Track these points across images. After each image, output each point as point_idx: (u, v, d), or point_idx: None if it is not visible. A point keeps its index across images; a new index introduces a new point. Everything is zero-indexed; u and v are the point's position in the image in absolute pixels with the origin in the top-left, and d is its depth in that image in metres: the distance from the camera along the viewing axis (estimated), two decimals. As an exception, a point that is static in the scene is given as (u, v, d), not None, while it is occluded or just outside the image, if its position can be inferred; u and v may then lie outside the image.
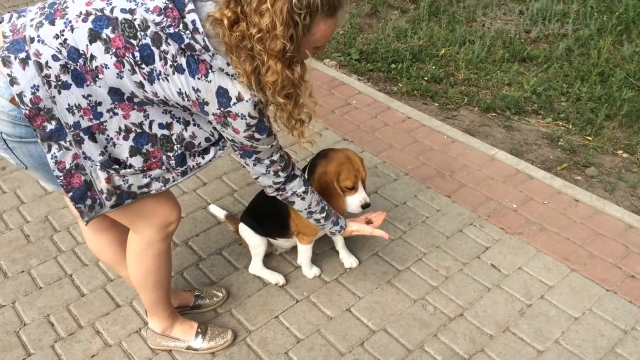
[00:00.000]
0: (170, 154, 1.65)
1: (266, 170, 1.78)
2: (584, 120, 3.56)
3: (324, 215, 2.01)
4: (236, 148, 1.69)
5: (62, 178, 1.53)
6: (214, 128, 1.68)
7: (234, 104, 1.52)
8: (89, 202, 1.61)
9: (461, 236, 2.62)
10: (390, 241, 2.59)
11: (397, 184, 2.92)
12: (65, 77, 1.45)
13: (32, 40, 1.44)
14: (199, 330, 2.12)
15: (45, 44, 1.44)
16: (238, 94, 1.52)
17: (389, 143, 3.21)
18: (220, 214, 2.70)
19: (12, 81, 1.42)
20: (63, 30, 1.45)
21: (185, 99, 1.52)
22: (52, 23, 1.46)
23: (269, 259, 2.48)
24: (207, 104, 1.53)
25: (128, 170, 1.61)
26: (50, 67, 1.44)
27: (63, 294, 2.35)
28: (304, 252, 2.37)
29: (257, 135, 1.61)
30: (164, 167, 1.66)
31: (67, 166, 1.53)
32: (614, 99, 3.71)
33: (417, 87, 3.88)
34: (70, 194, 1.57)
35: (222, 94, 1.51)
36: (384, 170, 3.01)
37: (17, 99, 1.43)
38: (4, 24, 1.51)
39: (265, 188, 1.87)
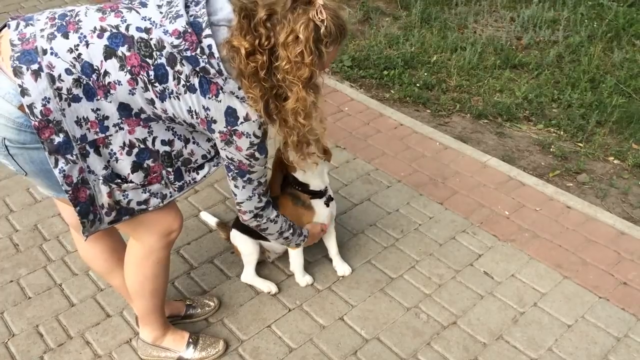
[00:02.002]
0: (170, 169, 1.68)
1: (252, 193, 1.81)
2: (575, 127, 3.58)
3: (291, 231, 2.11)
4: (232, 167, 1.72)
5: (70, 192, 1.53)
6: (212, 146, 1.73)
7: (241, 123, 1.58)
8: (91, 217, 1.61)
9: (454, 243, 2.61)
10: (383, 249, 2.58)
11: (390, 191, 2.92)
12: (77, 91, 1.46)
13: (44, 52, 1.44)
14: (191, 340, 2.10)
15: (59, 57, 1.44)
16: (246, 115, 1.58)
17: (382, 150, 3.21)
18: (212, 221, 2.68)
19: (23, 92, 1.41)
20: (77, 45, 1.46)
21: (195, 116, 1.57)
22: (66, 36, 1.46)
23: (261, 267, 2.47)
24: (215, 122, 1.58)
25: (129, 185, 1.62)
26: (62, 81, 1.44)
27: (52, 303, 2.33)
28: (295, 257, 2.35)
29: (257, 155, 1.68)
30: (163, 182, 1.68)
31: (75, 180, 1.52)
32: (604, 106, 3.73)
33: (409, 93, 3.88)
34: (78, 208, 1.57)
35: (231, 114, 1.57)
36: (377, 178, 3.01)
37: (27, 110, 1.42)
38: (10, 32, 1.49)
39: (245, 214, 1.89)
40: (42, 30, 1.47)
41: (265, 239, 2.37)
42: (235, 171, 1.73)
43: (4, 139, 1.48)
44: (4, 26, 1.53)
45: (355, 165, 3.10)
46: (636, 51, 4.36)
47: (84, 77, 1.46)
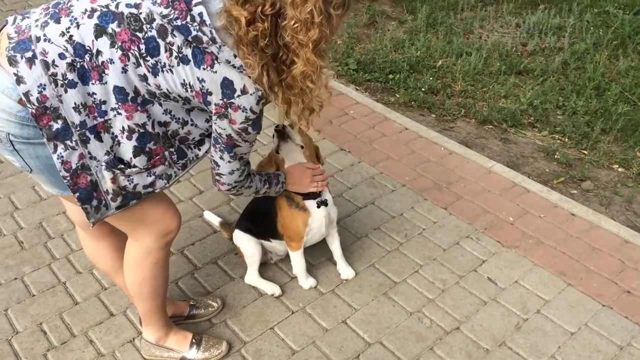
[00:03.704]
0: (172, 149, 1.67)
1: (236, 168, 1.77)
2: (580, 134, 3.58)
3: (267, 185, 2.03)
4: (220, 141, 1.68)
5: (68, 178, 1.52)
6: (210, 125, 1.69)
7: (238, 96, 1.54)
8: (95, 202, 1.60)
9: (458, 249, 2.61)
10: (387, 253, 2.58)
11: (394, 195, 2.92)
12: (72, 76, 1.45)
13: (37, 39, 1.44)
14: (194, 340, 2.10)
15: (52, 42, 1.44)
16: (243, 87, 1.54)
17: (387, 154, 3.21)
18: (215, 221, 2.69)
19: (19, 80, 1.42)
20: (69, 28, 1.45)
21: (189, 89, 1.54)
22: (58, 22, 1.46)
23: (264, 269, 2.47)
24: (210, 94, 1.55)
25: (133, 169, 1.60)
26: (57, 66, 1.44)
27: (56, 302, 2.33)
28: (296, 260, 2.36)
29: (250, 130, 1.64)
30: (166, 163, 1.67)
31: (73, 166, 1.52)
32: (609, 113, 3.73)
33: (414, 98, 3.88)
34: (77, 194, 1.56)
35: (227, 85, 1.53)
36: (381, 181, 3.01)
37: (23, 98, 1.42)
38: (8, 27, 1.51)
39: (223, 185, 1.83)
40: (36, 20, 1.49)
41: (268, 240, 2.39)
42: (223, 145, 1.69)
43: (8, 134, 1.48)
44: (4, 25, 1.54)
45: (359, 168, 3.10)
46: (642, 59, 4.37)
47: (77, 59, 1.45)
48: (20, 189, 2.89)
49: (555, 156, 3.40)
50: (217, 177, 1.81)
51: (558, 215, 2.80)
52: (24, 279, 2.43)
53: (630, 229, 2.76)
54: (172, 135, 1.66)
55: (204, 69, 1.50)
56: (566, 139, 3.57)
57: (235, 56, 1.49)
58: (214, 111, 1.59)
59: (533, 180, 3.10)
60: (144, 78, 1.51)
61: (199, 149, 1.75)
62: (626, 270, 2.51)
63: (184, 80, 1.52)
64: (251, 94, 1.55)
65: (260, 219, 2.37)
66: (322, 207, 2.25)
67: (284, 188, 2.14)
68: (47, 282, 2.41)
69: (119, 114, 1.52)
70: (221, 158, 1.73)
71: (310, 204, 2.23)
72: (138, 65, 1.49)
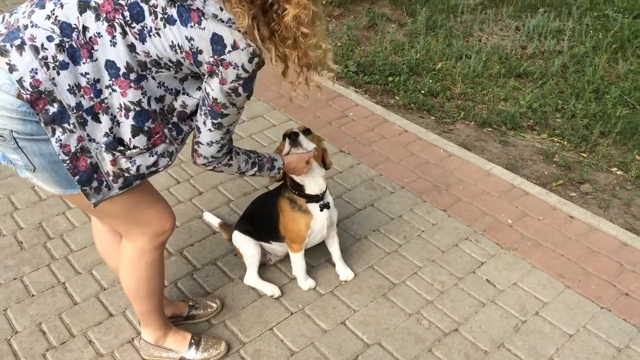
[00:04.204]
0: (171, 126, 1.65)
1: (216, 141, 1.70)
2: (579, 137, 3.59)
3: (256, 169, 1.95)
4: (206, 103, 1.63)
5: (67, 162, 1.52)
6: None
7: (229, 51, 1.51)
8: (95, 184, 1.59)
9: (457, 251, 2.62)
10: (385, 254, 2.59)
11: (393, 197, 2.93)
12: (62, 57, 1.45)
13: (25, 27, 1.45)
14: (193, 341, 2.11)
15: (39, 27, 1.45)
16: (233, 42, 1.50)
17: (386, 156, 3.22)
18: (215, 221, 2.69)
19: (11, 68, 1.42)
20: (53, 10, 1.46)
21: (178, 51, 1.51)
22: (43, 7, 1.47)
23: (263, 270, 2.47)
24: (200, 52, 1.51)
25: (134, 150, 1.59)
26: (46, 49, 1.44)
27: (55, 302, 2.33)
28: (296, 262, 2.36)
29: (240, 90, 1.59)
30: (167, 141, 1.65)
31: (72, 149, 1.52)
32: (608, 116, 3.74)
33: (414, 100, 3.89)
34: (77, 177, 1.55)
35: (217, 41, 1.50)
36: (380, 183, 3.02)
37: (17, 85, 1.42)
38: None
39: (199, 157, 1.76)
40: (23, 12, 1.50)
41: (266, 241, 2.39)
42: (208, 109, 1.63)
43: (11, 131, 1.48)
44: None
45: (359, 170, 3.11)
46: (641, 63, 4.38)
47: (65, 39, 1.45)
48: (20, 189, 2.90)
49: (554, 159, 3.41)
50: (195, 147, 1.74)
51: (557, 218, 2.81)
52: (24, 279, 2.43)
53: (629, 231, 2.77)
54: (169, 110, 1.63)
55: (191, 26, 1.48)
56: (565, 142, 3.58)
57: (221, 9, 1.47)
58: (205, 70, 1.55)
59: (532, 182, 3.10)
60: (132, 48, 1.49)
61: (192, 120, 1.71)
62: (624, 272, 2.51)
63: (172, 42, 1.49)
64: (242, 49, 1.51)
65: (261, 221, 2.38)
66: (324, 210, 2.26)
67: (280, 173, 2.07)
68: (47, 282, 2.42)
69: (114, 90, 1.51)
70: (204, 123, 1.67)
71: (313, 206, 2.24)
72: (125, 34, 1.48)
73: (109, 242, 1.99)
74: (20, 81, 1.42)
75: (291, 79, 1.68)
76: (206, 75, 1.57)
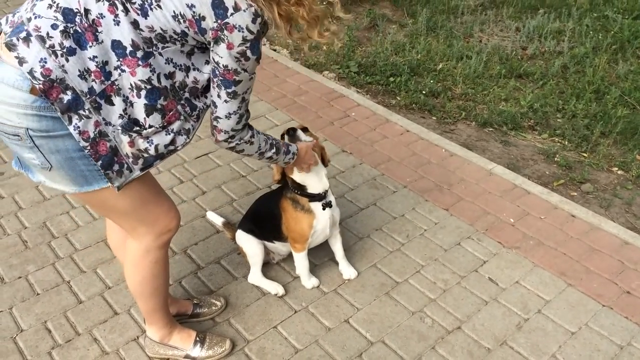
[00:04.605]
0: (183, 102, 1.65)
1: (236, 109, 1.70)
2: (580, 137, 3.60)
3: (274, 150, 1.94)
4: (217, 73, 1.63)
5: (88, 148, 1.53)
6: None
7: (232, 14, 1.51)
8: (116, 167, 1.60)
9: (459, 249, 2.63)
10: (388, 253, 2.60)
11: (396, 197, 2.94)
12: (68, 43, 1.46)
13: (29, 20, 1.47)
14: (198, 338, 2.12)
15: (42, 17, 1.46)
16: (234, 4, 1.50)
17: (388, 156, 3.23)
18: (218, 221, 2.70)
19: (21, 61, 1.44)
20: None
21: (181, 20, 1.51)
22: None
23: (267, 269, 2.49)
24: (203, 19, 1.51)
25: (149, 130, 1.60)
26: (52, 37, 1.45)
27: (60, 300, 2.35)
28: (299, 261, 2.38)
29: (248, 53, 1.58)
30: (182, 117, 1.66)
31: (91, 135, 1.53)
32: (609, 117, 3.76)
33: (415, 100, 3.91)
34: (100, 162, 1.57)
35: (218, 5, 1.49)
36: (383, 183, 3.03)
37: (29, 76, 1.43)
38: (3, 27, 1.54)
39: (220, 133, 1.75)
40: (25, 9, 1.52)
41: (270, 241, 2.40)
42: (221, 78, 1.63)
43: (27, 129, 1.49)
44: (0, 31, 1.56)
45: (361, 170, 3.13)
46: (641, 63, 4.41)
47: (69, 24, 1.46)
48: (23, 188, 2.91)
49: (555, 159, 3.43)
50: (215, 123, 1.73)
51: (558, 217, 2.82)
52: (28, 277, 2.44)
53: (630, 230, 2.78)
54: (180, 87, 1.63)
55: None
56: (566, 142, 3.60)
57: None
58: (211, 37, 1.55)
59: (533, 182, 3.12)
60: (136, 25, 1.50)
61: (206, 97, 1.71)
62: (626, 271, 2.53)
63: (174, 12, 1.50)
64: (244, 10, 1.51)
65: (264, 221, 2.39)
66: (327, 209, 2.27)
67: (293, 160, 2.06)
68: (51, 280, 2.43)
69: (123, 71, 1.52)
70: (219, 96, 1.67)
71: (316, 206, 2.25)
72: (127, 11, 1.48)
73: (123, 238, 2.00)
74: (31, 72, 1.43)
75: (300, 35, 1.66)
76: (212, 44, 1.57)
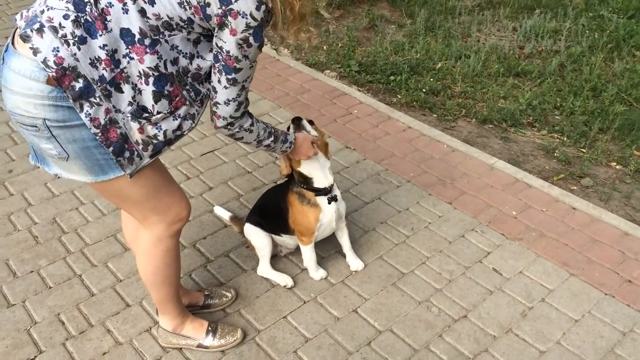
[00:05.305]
0: (188, 87, 1.69)
1: (235, 96, 1.73)
2: (578, 133, 3.66)
3: (272, 139, 1.99)
4: (219, 58, 1.65)
5: (100, 135, 1.57)
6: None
7: (236, 0, 1.53)
8: (127, 154, 1.64)
9: (463, 241, 2.68)
10: (394, 245, 2.65)
11: (400, 191, 2.99)
12: (79, 32, 1.50)
13: (42, 12, 1.51)
14: (210, 328, 2.16)
15: (54, 8, 1.50)
16: None
17: (391, 151, 3.28)
18: (225, 215, 2.74)
19: (35, 51, 1.47)
20: None
21: (187, 7, 1.55)
22: None
23: (275, 261, 2.53)
24: (208, 5, 1.55)
25: (158, 116, 1.64)
26: (64, 27, 1.49)
27: (73, 293, 2.38)
28: (307, 254, 2.42)
29: (251, 40, 1.61)
30: (187, 102, 1.70)
31: (102, 122, 1.57)
32: (606, 113, 3.82)
33: (415, 98, 3.97)
34: (111, 148, 1.60)
35: None
36: (387, 178, 3.08)
37: (43, 65, 1.47)
38: (18, 22, 1.58)
39: (219, 119, 1.78)
40: (39, 3, 1.56)
41: (277, 234, 2.45)
42: (222, 64, 1.66)
43: (44, 119, 1.53)
44: (16, 28, 1.60)
45: (365, 165, 3.18)
46: (636, 62, 4.47)
47: (79, 14, 1.50)
48: (32, 185, 2.94)
49: (555, 154, 3.48)
50: (214, 109, 1.77)
51: (559, 209, 2.88)
52: (40, 271, 2.47)
53: (630, 222, 2.84)
54: (184, 72, 1.66)
55: None
56: (565, 138, 3.66)
57: None
58: (215, 23, 1.59)
59: (534, 176, 3.17)
60: (143, 13, 1.54)
61: (209, 83, 1.74)
62: (627, 260, 2.58)
63: None
64: None
65: (271, 215, 2.43)
66: (333, 203, 2.31)
67: (290, 149, 2.11)
68: (63, 274, 2.46)
69: (132, 59, 1.56)
70: (219, 81, 1.70)
71: (321, 199, 2.30)
72: (135, 0, 1.53)
73: (135, 232, 2.04)
74: (44, 61, 1.47)
75: (286, 32, 1.72)
76: (216, 29, 1.61)
